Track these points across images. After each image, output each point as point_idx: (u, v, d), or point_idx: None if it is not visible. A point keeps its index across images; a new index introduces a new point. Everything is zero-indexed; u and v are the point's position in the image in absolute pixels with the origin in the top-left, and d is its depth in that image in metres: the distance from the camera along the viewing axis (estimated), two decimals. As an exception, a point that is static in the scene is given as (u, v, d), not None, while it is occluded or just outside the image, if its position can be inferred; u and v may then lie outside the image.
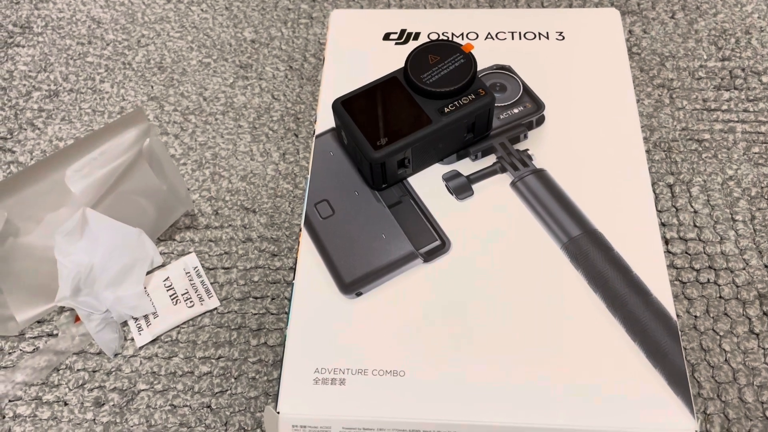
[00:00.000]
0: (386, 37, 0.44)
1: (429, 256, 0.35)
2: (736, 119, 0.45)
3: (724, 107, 0.46)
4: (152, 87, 0.49)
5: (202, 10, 0.54)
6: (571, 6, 0.52)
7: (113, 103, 0.49)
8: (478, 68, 0.41)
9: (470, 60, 0.37)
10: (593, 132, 0.39)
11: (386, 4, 0.53)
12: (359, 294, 0.34)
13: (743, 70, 0.48)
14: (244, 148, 0.46)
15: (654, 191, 0.42)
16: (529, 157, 0.38)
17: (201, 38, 0.52)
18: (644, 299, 0.33)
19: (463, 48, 0.38)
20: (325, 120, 0.40)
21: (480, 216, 0.36)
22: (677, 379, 0.30)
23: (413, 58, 0.38)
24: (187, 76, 0.50)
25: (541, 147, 0.39)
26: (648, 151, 0.44)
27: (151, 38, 0.52)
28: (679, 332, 0.32)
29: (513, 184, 0.37)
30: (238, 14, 0.53)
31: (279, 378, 0.31)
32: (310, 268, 0.35)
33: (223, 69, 0.50)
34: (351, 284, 0.34)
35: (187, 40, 0.52)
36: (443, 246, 0.35)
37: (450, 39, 0.44)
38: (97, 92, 0.49)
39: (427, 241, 0.35)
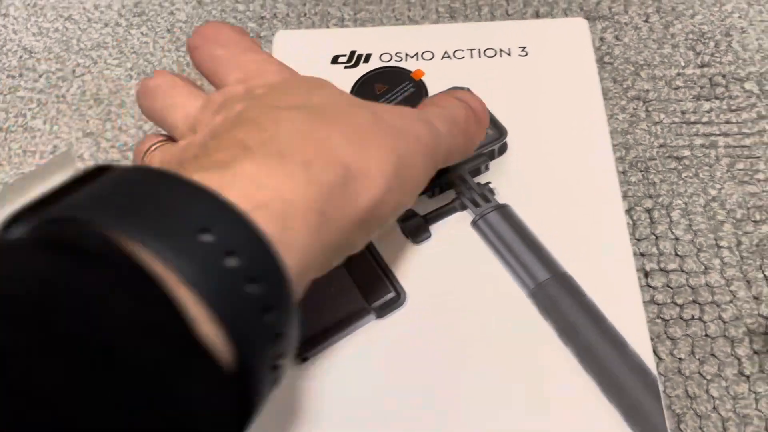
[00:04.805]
0: (334, 60, 0.40)
1: (382, 311, 0.31)
2: (718, 132, 0.42)
3: (705, 119, 0.43)
4: (88, 122, 0.45)
5: (142, 33, 0.50)
6: (537, 14, 0.49)
7: (45, 141, 0.45)
8: (435, 91, 0.38)
9: (421, 88, 0.34)
10: (561, 159, 0.35)
11: (340, 18, 0.50)
12: (305, 359, 0.30)
13: (724, 76, 0.44)
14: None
15: (631, 217, 0.39)
16: (491, 191, 0.35)
17: (141, 64, 0.48)
18: (620, 352, 0.30)
19: (412, 75, 0.34)
20: (267, 158, 0.36)
21: (439, 261, 0.33)
22: (659, 445, 0.27)
23: (359, 87, 0.34)
24: (125, 108, 0.46)
25: (504, 179, 0.35)
26: (624, 172, 0.41)
27: (87, 67, 0.48)
28: (660, 388, 0.29)
29: (474, 223, 0.34)
30: (181, 36, 0.49)
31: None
32: (251, 330, 0.31)
33: (164, 98, 0.46)
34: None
35: (125, 68, 0.48)
36: (398, 298, 0.32)
37: (403, 60, 0.40)
38: (28, 130, 0.45)
39: (380, 293, 0.32)
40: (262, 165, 0.19)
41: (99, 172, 0.18)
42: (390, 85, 0.34)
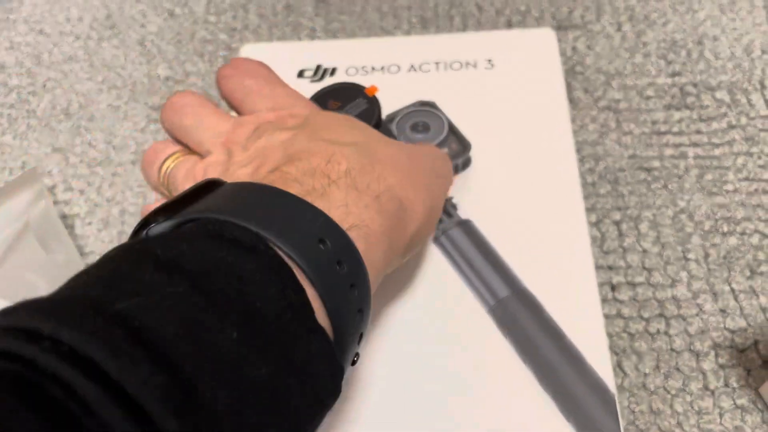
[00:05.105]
0: (300, 74, 0.40)
1: (341, 330, 0.31)
2: (688, 143, 0.42)
3: (675, 129, 0.42)
4: (57, 137, 0.45)
5: (113, 46, 0.50)
6: (509, 23, 0.48)
7: (15, 157, 0.45)
8: (401, 105, 0.38)
9: (374, 104, 0.33)
10: (524, 173, 0.35)
11: (311, 29, 0.49)
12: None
13: (695, 85, 0.44)
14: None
15: (599, 230, 0.39)
16: (454, 207, 0.35)
17: (111, 78, 0.48)
18: (578, 369, 0.29)
19: (366, 91, 0.34)
20: (230, 175, 0.36)
21: (400, 277, 0.32)
22: (614, 467, 0.27)
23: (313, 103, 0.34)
24: (95, 123, 0.46)
25: (466, 194, 0.35)
26: (593, 184, 0.40)
27: (58, 81, 0.48)
28: (622, 404, 0.28)
29: (436, 239, 0.34)
30: (152, 49, 0.49)
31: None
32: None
33: (134, 112, 0.46)
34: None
35: (96, 81, 0.48)
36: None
37: (369, 73, 0.40)
38: (-3, 146, 0.45)
39: (340, 311, 0.32)
40: (346, 195, 0.22)
41: (211, 185, 0.22)
42: (343, 101, 0.34)
